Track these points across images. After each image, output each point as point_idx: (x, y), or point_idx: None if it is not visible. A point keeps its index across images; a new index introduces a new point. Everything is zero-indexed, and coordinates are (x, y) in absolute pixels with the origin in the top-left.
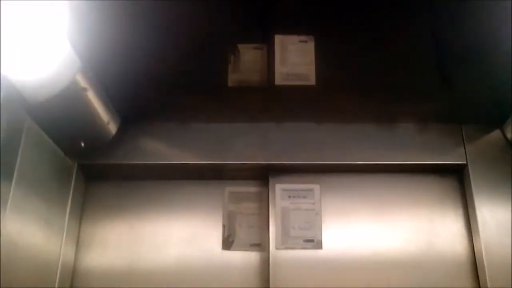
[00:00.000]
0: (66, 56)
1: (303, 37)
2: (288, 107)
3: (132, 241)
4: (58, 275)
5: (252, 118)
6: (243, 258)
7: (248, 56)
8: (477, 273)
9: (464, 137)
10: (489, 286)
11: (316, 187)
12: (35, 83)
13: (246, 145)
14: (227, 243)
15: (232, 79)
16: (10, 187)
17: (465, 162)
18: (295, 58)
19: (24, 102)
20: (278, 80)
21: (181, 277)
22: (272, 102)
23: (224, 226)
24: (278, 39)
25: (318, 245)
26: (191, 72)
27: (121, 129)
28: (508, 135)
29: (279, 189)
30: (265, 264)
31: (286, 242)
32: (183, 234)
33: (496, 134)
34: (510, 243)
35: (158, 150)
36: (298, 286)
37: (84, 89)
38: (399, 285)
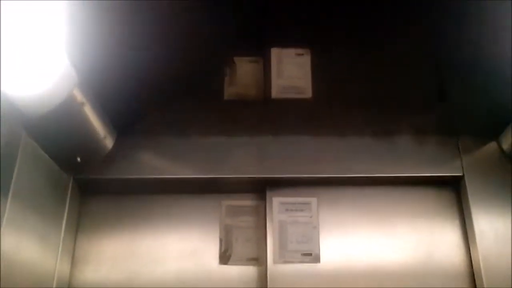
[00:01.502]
0: (64, 71)
1: (299, 50)
2: (284, 120)
3: (128, 256)
4: None
5: (248, 131)
6: (240, 273)
7: (244, 69)
8: (475, 283)
9: (460, 149)
10: None
11: (313, 200)
12: (33, 98)
13: (242, 158)
14: (224, 258)
15: (228, 92)
16: (7, 201)
17: (461, 174)
18: (291, 71)
19: (22, 117)
20: (275, 93)
21: None
22: (268, 115)
23: (221, 240)
24: (274, 52)
25: (316, 258)
26: (187, 85)
27: (118, 143)
28: (504, 147)
29: (276, 202)
30: (262, 278)
31: (283, 256)
32: (179, 248)
33: (492, 146)
34: (508, 253)
35: (154, 164)
36: None
37: (81, 104)
38: None
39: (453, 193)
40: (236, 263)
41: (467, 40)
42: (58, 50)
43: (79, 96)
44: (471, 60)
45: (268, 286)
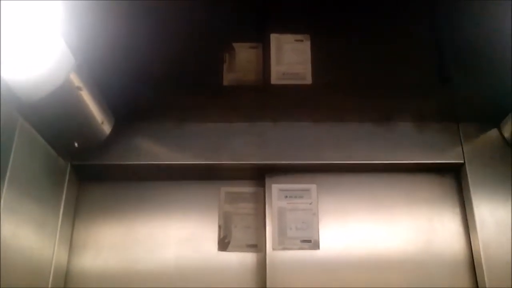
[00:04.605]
0: (60, 55)
1: (299, 36)
2: (284, 107)
3: (126, 243)
4: (51, 278)
5: (248, 117)
6: (239, 259)
7: (244, 55)
8: (475, 271)
9: (461, 136)
10: (487, 283)
11: (313, 187)
12: (29, 82)
13: (242, 144)
14: (223, 244)
15: (228, 78)
16: (3, 188)
17: (462, 161)
18: (291, 57)
19: (17, 101)
20: (274, 80)
21: (176, 279)
22: (268, 101)
23: (220, 227)
24: (274, 38)
25: (315, 245)
26: (186, 71)
27: (116, 129)
28: (506, 134)
29: (276, 189)
30: (261, 265)
31: (283, 242)
32: (178, 235)
33: (493, 133)
34: (508, 241)
35: (153, 150)
36: (295, 287)
37: (78, 88)
38: (397, 285)
39: (454, 180)
40: (235, 249)
41: (470, 26)
42: (54, 33)
43: (76, 81)
44: (473, 46)
45: (267, 273)
